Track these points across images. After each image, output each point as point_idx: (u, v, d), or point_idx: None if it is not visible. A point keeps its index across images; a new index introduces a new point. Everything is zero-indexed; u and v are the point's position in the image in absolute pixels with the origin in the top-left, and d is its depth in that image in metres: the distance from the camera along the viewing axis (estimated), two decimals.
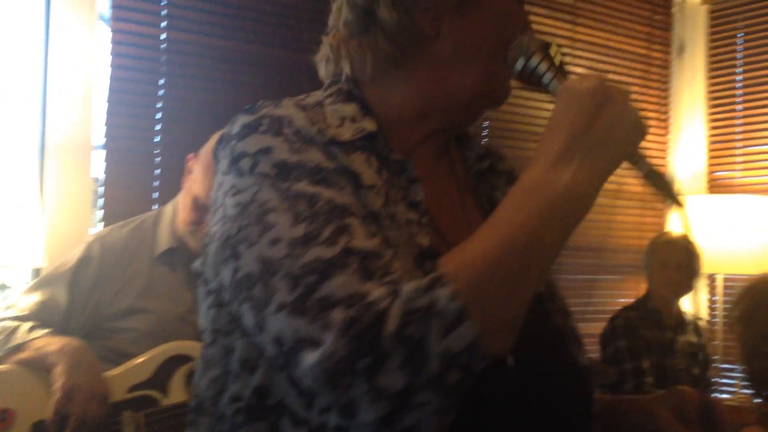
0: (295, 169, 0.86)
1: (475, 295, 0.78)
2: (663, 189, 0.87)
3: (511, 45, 0.99)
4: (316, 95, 1.01)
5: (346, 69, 1.03)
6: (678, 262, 3.20)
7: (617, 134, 0.84)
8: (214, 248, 0.90)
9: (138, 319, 2.00)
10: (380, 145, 0.96)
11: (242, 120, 0.92)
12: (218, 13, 2.83)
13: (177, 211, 2.10)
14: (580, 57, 3.77)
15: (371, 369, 0.75)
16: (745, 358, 1.75)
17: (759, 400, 1.76)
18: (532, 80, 0.98)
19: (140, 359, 1.93)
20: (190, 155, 2.13)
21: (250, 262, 0.83)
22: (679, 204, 0.87)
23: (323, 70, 1.07)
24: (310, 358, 0.76)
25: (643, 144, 0.87)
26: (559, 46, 1.00)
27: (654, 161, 3.94)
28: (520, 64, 0.98)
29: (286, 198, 0.84)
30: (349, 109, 0.98)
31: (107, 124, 2.63)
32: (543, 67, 0.96)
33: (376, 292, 0.77)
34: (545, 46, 0.98)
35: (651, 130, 3.96)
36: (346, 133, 0.94)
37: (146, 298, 2.02)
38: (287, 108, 0.93)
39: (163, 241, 2.07)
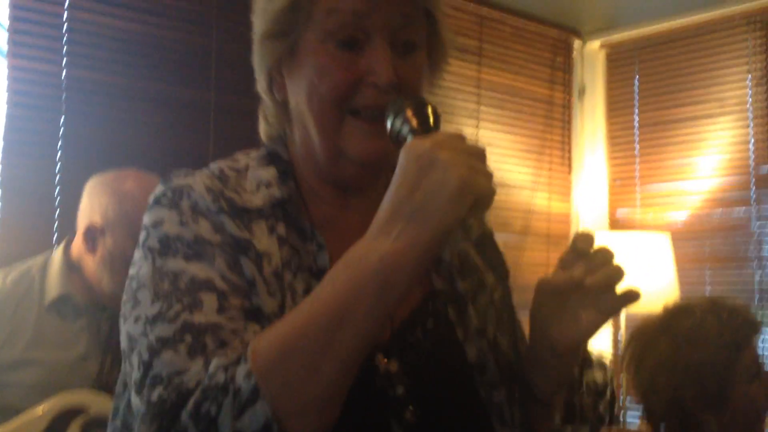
0: (174, 242, 0.88)
1: (270, 374, 0.76)
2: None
3: (345, 99, 0.94)
4: (247, 157, 1.02)
5: (270, 131, 1.07)
6: None
7: (439, 200, 0.77)
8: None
9: (27, 371, 1.90)
10: (292, 210, 0.96)
11: (156, 191, 0.95)
12: (121, 50, 2.76)
13: (76, 260, 2.01)
14: (486, 98, 3.86)
15: None
16: (641, 396, 1.81)
17: None
18: (399, 142, 0.88)
19: (31, 414, 1.81)
20: (89, 224, 2.02)
21: (123, 339, 0.87)
22: None
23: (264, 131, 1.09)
24: None
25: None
26: (436, 110, 0.90)
27: (558, 199, 4.06)
28: (388, 125, 0.90)
29: (155, 274, 0.87)
30: (267, 173, 0.99)
31: (4, 162, 2.53)
32: (405, 129, 0.88)
33: (194, 368, 0.79)
34: (418, 107, 0.89)
35: (554, 167, 4.08)
36: (258, 200, 0.95)
37: (35, 348, 1.92)
38: (195, 176, 0.94)
39: (53, 289, 1.98)
